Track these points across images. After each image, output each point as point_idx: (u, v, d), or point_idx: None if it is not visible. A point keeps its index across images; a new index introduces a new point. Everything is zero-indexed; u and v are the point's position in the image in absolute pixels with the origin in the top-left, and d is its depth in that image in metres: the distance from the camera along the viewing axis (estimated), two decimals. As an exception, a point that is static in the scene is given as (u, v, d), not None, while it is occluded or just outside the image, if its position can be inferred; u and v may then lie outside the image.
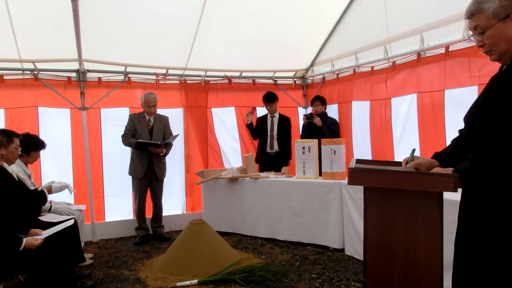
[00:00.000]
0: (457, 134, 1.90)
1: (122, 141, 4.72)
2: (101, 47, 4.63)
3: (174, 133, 4.95)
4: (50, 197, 3.60)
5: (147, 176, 4.76)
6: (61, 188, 3.68)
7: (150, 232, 4.93)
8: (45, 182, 4.60)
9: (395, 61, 4.43)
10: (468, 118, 1.80)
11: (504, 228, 1.53)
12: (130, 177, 4.90)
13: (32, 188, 3.53)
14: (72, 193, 3.90)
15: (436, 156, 1.85)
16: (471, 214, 1.66)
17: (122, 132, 4.73)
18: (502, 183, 1.53)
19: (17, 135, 3.32)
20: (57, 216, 3.42)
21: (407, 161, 1.87)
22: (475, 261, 1.61)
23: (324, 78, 5.71)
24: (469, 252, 1.64)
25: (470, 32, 1.70)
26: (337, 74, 5.40)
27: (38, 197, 3.37)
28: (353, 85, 5.14)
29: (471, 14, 1.63)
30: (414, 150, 1.90)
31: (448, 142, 1.93)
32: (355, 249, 3.87)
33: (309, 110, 5.94)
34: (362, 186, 1.79)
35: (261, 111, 5.67)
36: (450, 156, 1.79)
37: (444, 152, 1.84)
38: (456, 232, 1.74)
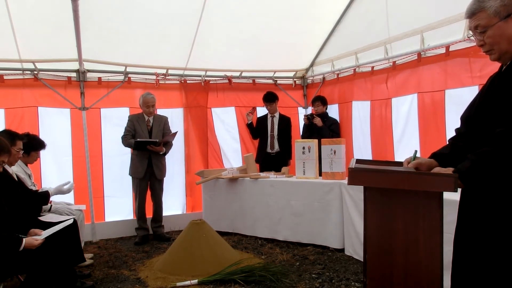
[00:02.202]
0: (453, 135, 1.90)
1: (122, 142, 4.73)
2: (101, 47, 4.63)
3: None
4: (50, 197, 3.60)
5: (147, 176, 4.77)
6: (56, 192, 3.58)
7: (150, 232, 4.93)
8: (45, 182, 4.62)
9: (395, 61, 4.42)
10: (465, 117, 1.80)
11: (504, 227, 1.53)
12: (130, 177, 4.90)
13: (32, 188, 3.53)
14: (72, 190, 3.80)
15: (434, 156, 1.84)
16: (470, 213, 1.65)
17: (122, 133, 4.74)
18: (502, 183, 1.53)
19: (21, 137, 3.27)
20: (57, 216, 3.41)
21: (408, 161, 1.87)
22: (474, 261, 1.61)
23: (324, 78, 5.71)
24: (468, 252, 1.64)
25: (470, 32, 1.70)
26: (337, 74, 5.40)
27: (41, 197, 3.36)
28: (353, 85, 5.14)
29: (472, 13, 1.62)
30: (416, 152, 1.91)
31: (448, 142, 1.92)
32: (355, 249, 3.87)
33: (309, 110, 5.94)
34: (362, 186, 1.78)
35: (261, 111, 5.68)
36: (449, 157, 1.79)
37: (443, 153, 1.83)
38: (455, 231, 1.74)
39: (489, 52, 1.64)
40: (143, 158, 4.71)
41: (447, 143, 1.89)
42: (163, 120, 4.91)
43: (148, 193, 4.88)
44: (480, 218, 1.60)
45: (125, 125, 4.77)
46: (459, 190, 1.60)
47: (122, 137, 4.73)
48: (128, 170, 4.85)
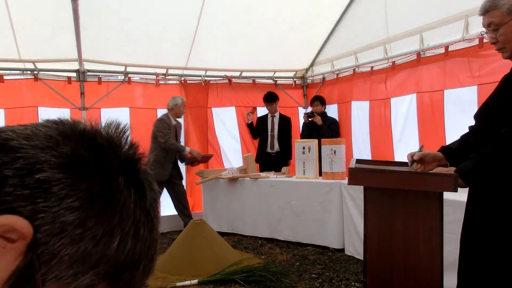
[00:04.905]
0: (456, 134, 1.89)
1: (170, 143, 4.57)
2: (101, 47, 4.63)
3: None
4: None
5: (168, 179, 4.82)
6: None
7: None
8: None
9: (394, 61, 4.43)
10: (478, 115, 1.79)
11: (510, 227, 1.52)
12: None
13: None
14: None
15: (443, 150, 1.83)
16: (477, 213, 1.64)
17: (162, 135, 4.58)
18: (507, 183, 1.52)
19: None
20: None
21: (412, 155, 1.85)
22: (481, 261, 1.60)
23: (324, 78, 5.72)
24: (475, 252, 1.63)
25: (484, 30, 1.70)
26: (337, 74, 5.40)
27: None
28: (352, 85, 5.15)
29: (486, 11, 1.62)
30: (422, 146, 1.89)
31: (448, 142, 1.92)
32: (355, 249, 3.87)
33: (309, 110, 5.95)
34: (362, 186, 1.79)
35: (262, 111, 5.68)
36: (457, 152, 1.77)
37: (451, 147, 1.83)
38: (461, 231, 1.72)
39: (502, 50, 1.63)
40: (169, 161, 4.72)
41: (459, 138, 1.88)
42: (180, 126, 5.00)
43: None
44: (488, 218, 1.58)
45: (161, 126, 4.61)
46: (460, 190, 1.59)
47: (168, 139, 4.56)
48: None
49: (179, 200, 4.93)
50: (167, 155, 4.71)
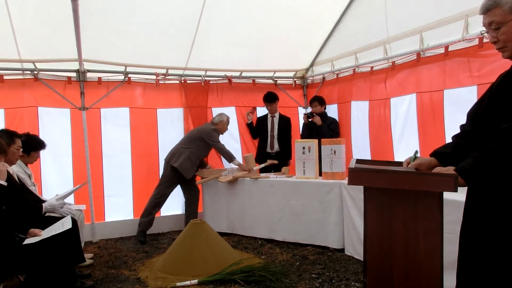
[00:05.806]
0: (457, 132, 1.88)
1: (222, 146, 4.95)
2: (101, 47, 4.63)
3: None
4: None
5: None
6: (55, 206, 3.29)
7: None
8: (45, 182, 4.62)
9: (394, 61, 4.42)
10: (472, 114, 1.78)
11: (510, 226, 1.52)
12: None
13: (32, 187, 3.52)
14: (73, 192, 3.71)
15: (436, 154, 1.83)
16: (477, 212, 1.64)
17: (223, 146, 4.98)
18: (507, 180, 1.51)
19: (19, 136, 3.27)
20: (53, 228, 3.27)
21: (408, 162, 1.86)
22: (481, 260, 1.59)
23: (324, 78, 5.72)
24: (474, 251, 1.63)
25: (484, 29, 1.68)
26: (337, 74, 5.40)
27: (35, 209, 3.17)
28: (352, 85, 5.14)
29: (487, 9, 1.61)
30: (417, 152, 1.90)
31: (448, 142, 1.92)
32: (355, 249, 3.87)
33: (309, 110, 5.95)
34: (362, 186, 1.79)
35: (262, 111, 5.68)
36: (451, 156, 1.77)
37: (445, 152, 1.82)
38: (460, 229, 1.72)
39: (502, 49, 1.62)
40: (197, 164, 4.98)
41: (451, 140, 1.87)
42: None
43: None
44: (487, 216, 1.58)
45: (215, 135, 4.95)
46: (460, 189, 1.59)
47: (220, 143, 4.96)
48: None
49: (196, 200, 5.08)
50: (199, 157, 4.96)
